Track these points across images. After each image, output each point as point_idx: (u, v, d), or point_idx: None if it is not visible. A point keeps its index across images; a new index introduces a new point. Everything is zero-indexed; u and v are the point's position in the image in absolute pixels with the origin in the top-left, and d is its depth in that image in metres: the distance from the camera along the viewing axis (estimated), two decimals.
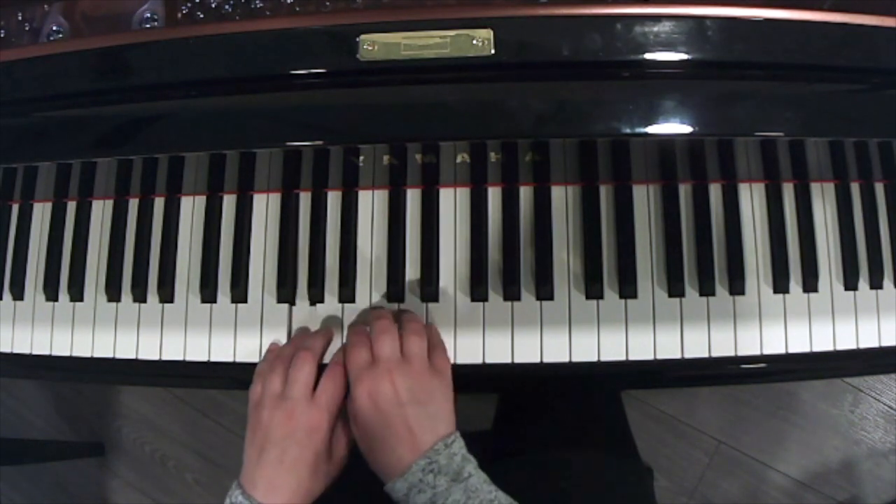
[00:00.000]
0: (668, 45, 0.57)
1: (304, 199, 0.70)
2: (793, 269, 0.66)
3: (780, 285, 0.66)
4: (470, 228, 0.68)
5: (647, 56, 0.57)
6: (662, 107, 0.57)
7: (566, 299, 0.66)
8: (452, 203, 0.69)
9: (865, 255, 0.67)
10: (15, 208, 0.76)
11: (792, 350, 0.65)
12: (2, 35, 0.63)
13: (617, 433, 0.81)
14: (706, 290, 0.66)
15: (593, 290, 0.66)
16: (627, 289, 0.66)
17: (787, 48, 0.57)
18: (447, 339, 0.66)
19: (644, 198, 0.68)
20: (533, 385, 0.77)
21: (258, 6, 0.60)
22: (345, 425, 0.61)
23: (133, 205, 0.73)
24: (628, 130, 0.57)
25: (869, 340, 0.66)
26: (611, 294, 0.66)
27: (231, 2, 0.60)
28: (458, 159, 0.69)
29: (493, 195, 0.68)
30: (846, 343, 0.65)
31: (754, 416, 1.34)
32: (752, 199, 0.68)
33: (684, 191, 0.68)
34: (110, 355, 0.71)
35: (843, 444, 1.32)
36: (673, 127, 0.57)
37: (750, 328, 0.65)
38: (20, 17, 0.63)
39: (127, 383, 1.38)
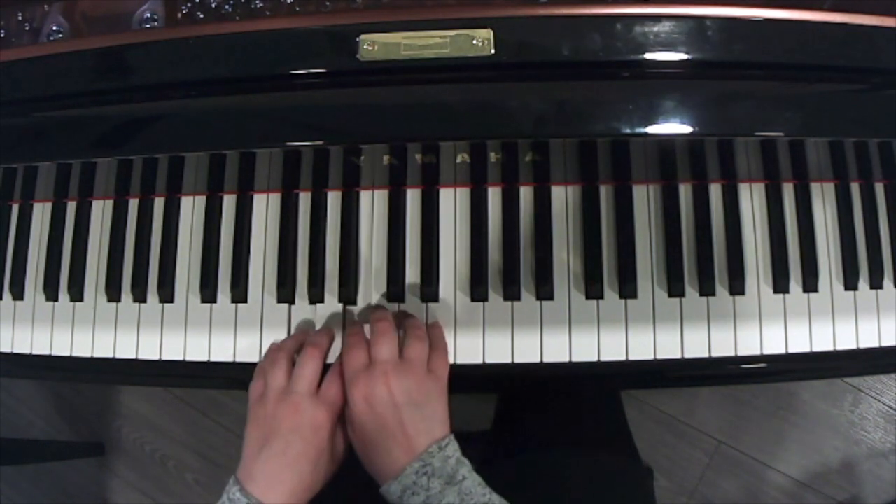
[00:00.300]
0: (668, 45, 0.57)
1: (304, 199, 0.70)
2: (793, 269, 0.66)
3: (780, 285, 0.66)
4: (470, 228, 0.68)
5: (647, 56, 0.57)
6: (662, 107, 0.57)
7: (566, 299, 0.66)
8: (452, 203, 0.69)
9: (865, 255, 0.67)
10: (15, 208, 0.76)
11: (792, 350, 0.65)
12: (2, 35, 0.63)
13: (617, 433, 0.81)
14: (706, 290, 0.66)
15: (593, 290, 0.66)
16: (627, 289, 0.66)
17: (787, 48, 0.57)
18: (447, 339, 0.66)
19: (644, 198, 0.68)
20: (533, 385, 0.77)
21: (258, 6, 0.60)
22: (345, 425, 0.61)
23: (133, 205, 0.73)
24: (628, 130, 0.57)
25: (869, 340, 0.66)
26: (611, 294, 0.66)
27: (231, 2, 0.60)
28: (458, 159, 0.69)
29: (493, 195, 0.68)
30: (846, 343, 0.65)
31: (754, 416, 1.34)
32: (752, 199, 0.68)
33: (684, 191, 0.68)
34: (110, 355, 0.71)
35: (843, 444, 1.32)
36: (673, 127, 0.57)
37: (750, 328, 0.65)
38: (20, 17, 0.63)
39: (127, 383, 1.38)
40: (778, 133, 0.60)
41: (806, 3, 0.57)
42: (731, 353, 0.65)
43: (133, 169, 0.73)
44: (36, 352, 0.72)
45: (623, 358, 0.65)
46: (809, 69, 0.58)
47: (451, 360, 0.64)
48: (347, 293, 0.68)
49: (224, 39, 0.60)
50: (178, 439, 1.49)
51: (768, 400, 1.34)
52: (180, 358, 0.69)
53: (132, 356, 0.70)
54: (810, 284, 0.66)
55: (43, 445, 1.48)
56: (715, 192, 0.68)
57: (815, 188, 0.68)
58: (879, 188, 0.68)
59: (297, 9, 0.60)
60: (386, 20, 0.58)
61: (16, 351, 0.73)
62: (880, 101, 0.58)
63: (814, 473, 1.32)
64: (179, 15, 0.61)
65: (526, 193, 0.68)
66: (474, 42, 0.57)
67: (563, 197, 0.68)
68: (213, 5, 0.60)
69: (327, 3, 0.60)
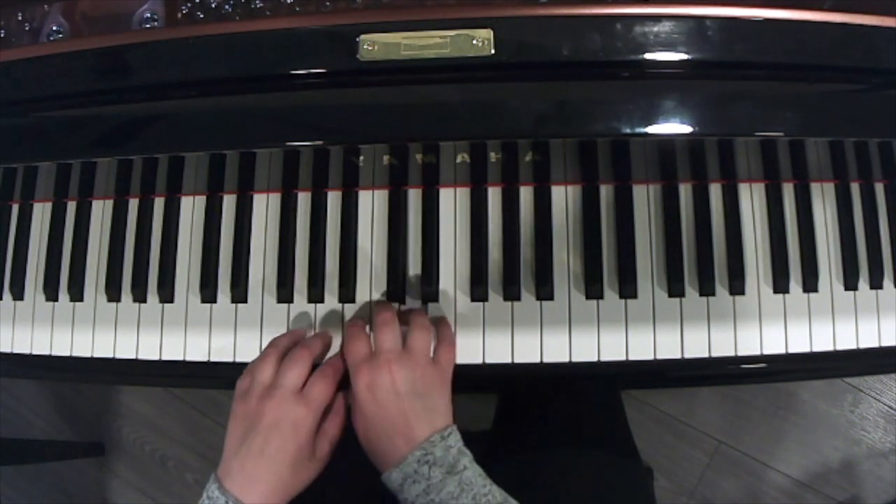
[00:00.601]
0: (668, 45, 0.57)
1: (304, 199, 0.70)
2: (793, 269, 0.66)
3: (780, 285, 0.66)
4: (470, 228, 0.68)
5: (647, 56, 0.57)
6: (662, 107, 0.57)
7: (566, 299, 0.66)
8: (452, 203, 0.69)
9: (865, 255, 0.67)
10: (15, 208, 0.76)
11: (792, 350, 0.65)
12: (2, 35, 0.63)
13: (617, 433, 0.81)
14: (706, 290, 0.66)
15: (593, 290, 0.66)
16: (627, 289, 0.66)
17: (787, 48, 0.57)
18: None
19: (644, 198, 0.68)
20: (533, 385, 0.77)
21: (258, 6, 0.60)
22: (331, 424, 0.61)
23: (133, 205, 0.73)
24: (628, 130, 0.57)
25: (869, 340, 0.66)
26: (611, 294, 0.66)
27: (231, 2, 0.60)
28: (458, 159, 0.69)
29: (493, 195, 0.68)
30: (846, 343, 0.65)
31: (754, 416, 1.34)
32: (752, 199, 0.68)
33: (684, 191, 0.68)
34: (110, 355, 0.71)
35: (843, 444, 1.32)
36: (673, 127, 0.57)
37: (750, 328, 0.65)
38: (20, 17, 0.63)
39: (127, 383, 1.38)
40: (778, 133, 0.60)
41: (806, 3, 0.57)
42: (731, 353, 0.65)
43: (133, 169, 0.73)
44: (36, 352, 0.72)
45: (623, 358, 0.65)
46: (809, 69, 0.58)
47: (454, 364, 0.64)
48: (347, 293, 0.68)
49: (224, 39, 0.60)
50: (178, 439, 1.49)
51: (768, 400, 1.34)
52: (180, 358, 0.69)
53: (132, 356, 0.70)
54: (810, 284, 0.66)
55: (43, 445, 1.48)
56: (715, 192, 0.68)
57: (815, 188, 0.68)
58: (879, 188, 0.68)
59: (297, 9, 0.60)
60: (386, 20, 0.58)
61: (16, 351, 0.73)
62: (880, 101, 0.58)
63: (814, 473, 1.32)
64: (179, 15, 0.61)
65: (526, 193, 0.68)
66: (474, 42, 0.57)
67: (563, 197, 0.68)
68: (213, 5, 0.60)
69: (327, 3, 0.60)
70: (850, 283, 0.66)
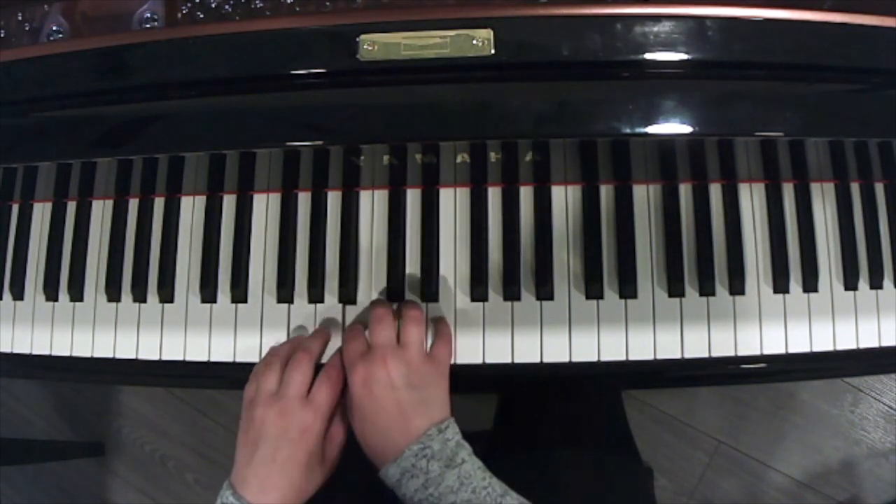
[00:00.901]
0: (668, 45, 0.57)
1: (304, 199, 0.70)
2: (793, 269, 0.66)
3: (780, 285, 0.66)
4: (470, 228, 0.68)
5: (647, 56, 0.57)
6: (662, 107, 0.57)
7: (566, 299, 0.66)
8: (452, 203, 0.69)
9: (865, 255, 0.67)
10: (15, 208, 0.76)
11: (792, 350, 0.65)
12: (2, 35, 0.63)
13: (617, 433, 0.81)
14: (706, 290, 0.66)
15: (593, 290, 0.66)
16: (627, 289, 0.66)
17: (787, 48, 0.57)
18: None
19: (644, 198, 0.68)
20: (533, 385, 0.77)
21: (258, 6, 0.60)
22: (337, 427, 0.61)
23: (133, 205, 0.73)
24: (628, 130, 0.57)
25: (869, 340, 0.66)
26: (611, 294, 0.66)
27: (231, 2, 0.60)
28: (458, 159, 0.69)
29: (493, 195, 0.68)
30: (846, 343, 0.65)
31: (754, 416, 1.34)
32: (752, 199, 0.68)
33: (684, 190, 0.68)
34: (110, 355, 0.71)
35: (843, 444, 1.32)
36: (673, 127, 0.57)
37: (750, 328, 0.65)
38: (20, 17, 0.63)
39: (127, 383, 1.38)
40: (778, 133, 0.60)
41: (806, 3, 0.57)
42: (731, 353, 0.65)
43: (133, 169, 0.73)
44: (36, 352, 0.72)
45: (623, 358, 0.65)
46: (809, 69, 0.58)
47: (451, 361, 0.64)
48: (347, 293, 0.68)
49: (224, 39, 0.60)
50: (178, 439, 1.49)
51: (768, 400, 1.34)
52: (180, 358, 0.69)
53: (132, 356, 0.70)
54: (810, 284, 0.66)
55: (43, 445, 1.48)
56: (715, 191, 0.68)
57: (815, 188, 0.68)
58: (879, 188, 0.68)
59: (297, 9, 0.60)
60: (386, 20, 0.58)
61: (16, 351, 0.73)
62: (880, 101, 0.58)
63: (814, 473, 1.32)
64: (179, 15, 0.61)
65: (526, 193, 0.68)
66: (474, 42, 0.57)
67: (563, 197, 0.68)
68: (213, 5, 0.60)
69: (327, 3, 0.60)
70: (850, 283, 0.66)
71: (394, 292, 0.68)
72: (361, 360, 0.59)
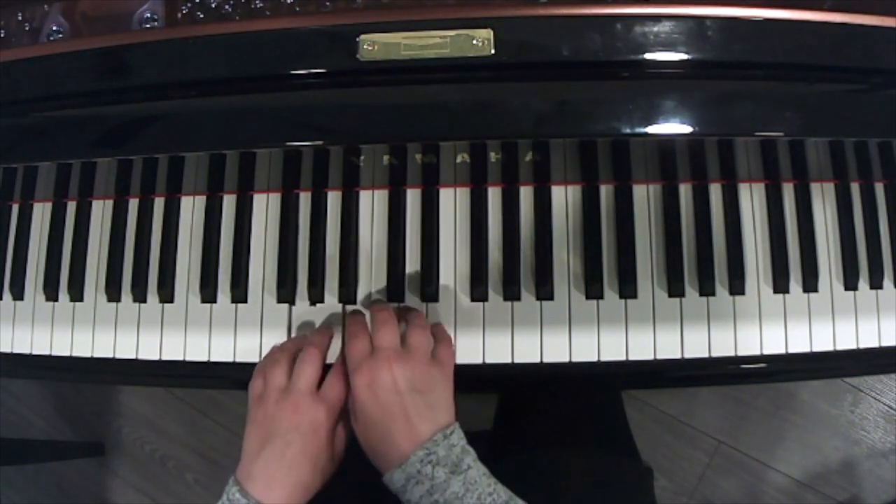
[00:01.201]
0: (668, 45, 0.57)
1: (304, 199, 0.70)
2: (793, 269, 0.66)
3: (780, 285, 0.66)
4: (470, 228, 0.68)
5: (647, 56, 0.57)
6: (662, 107, 0.57)
7: (566, 299, 0.66)
8: (452, 203, 0.69)
9: (865, 255, 0.67)
10: (15, 208, 0.76)
11: (792, 350, 0.65)
12: (2, 35, 0.63)
13: (617, 433, 0.81)
14: (706, 290, 0.66)
15: (593, 290, 0.66)
16: (627, 289, 0.66)
17: (787, 48, 0.57)
18: None
19: (644, 198, 0.68)
20: (533, 385, 0.77)
21: (258, 6, 0.60)
22: (344, 424, 0.61)
23: (133, 205, 0.73)
24: (628, 130, 0.57)
25: (869, 340, 0.66)
26: (611, 294, 0.66)
27: (231, 2, 0.60)
28: (458, 159, 0.69)
29: (493, 195, 0.68)
30: (846, 343, 0.65)
31: (754, 416, 1.34)
32: (752, 199, 0.68)
33: (684, 190, 0.68)
34: (110, 355, 0.71)
35: (843, 444, 1.32)
36: (673, 127, 0.57)
37: (750, 328, 0.65)
38: (20, 17, 0.63)
39: (127, 383, 1.38)
40: (778, 133, 0.61)
41: (806, 3, 0.57)
42: (731, 353, 0.65)
43: (133, 169, 0.73)
44: (36, 352, 0.72)
45: (623, 358, 0.65)
46: (809, 69, 0.58)
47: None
48: (347, 293, 0.68)
49: (224, 39, 0.60)
50: (178, 439, 1.49)
51: (768, 400, 1.34)
52: (180, 358, 0.69)
53: (132, 356, 0.70)
54: (810, 284, 0.66)
55: (43, 445, 1.48)
56: (715, 192, 0.68)
57: (815, 188, 0.68)
58: (879, 188, 0.68)
59: (297, 9, 0.60)
60: (386, 20, 0.58)
61: (16, 351, 0.73)
62: (880, 101, 0.58)
63: (814, 473, 1.32)
64: (179, 15, 0.61)
65: (526, 193, 0.68)
66: (474, 42, 0.57)
67: (563, 197, 0.68)
68: (213, 5, 0.60)
69: (327, 3, 0.60)
70: (850, 283, 0.66)
71: (394, 292, 0.68)
72: (366, 362, 0.58)
